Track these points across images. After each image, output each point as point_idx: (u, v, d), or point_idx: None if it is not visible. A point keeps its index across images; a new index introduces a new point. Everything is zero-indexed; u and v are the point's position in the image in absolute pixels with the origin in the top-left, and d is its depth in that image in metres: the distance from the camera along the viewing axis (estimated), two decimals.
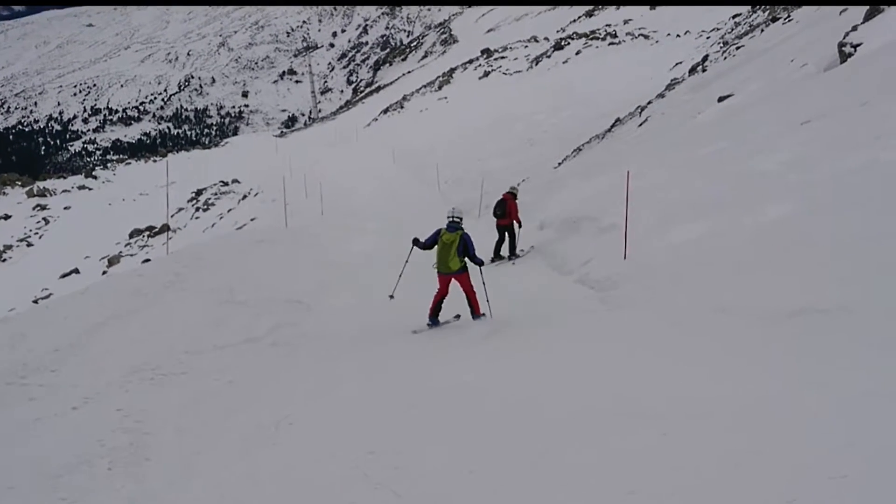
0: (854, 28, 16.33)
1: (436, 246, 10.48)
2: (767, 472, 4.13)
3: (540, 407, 6.13)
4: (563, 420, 5.70)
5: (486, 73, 79.76)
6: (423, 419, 6.35)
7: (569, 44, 75.36)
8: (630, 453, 4.78)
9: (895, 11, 15.88)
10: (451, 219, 10.47)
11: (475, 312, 10.53)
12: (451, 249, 10.15)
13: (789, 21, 30.46)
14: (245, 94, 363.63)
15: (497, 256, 16.34)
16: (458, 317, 11.02)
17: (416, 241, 10.95)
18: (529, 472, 4.80)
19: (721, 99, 19.68)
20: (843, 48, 15.63)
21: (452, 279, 10.44)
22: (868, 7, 16.97)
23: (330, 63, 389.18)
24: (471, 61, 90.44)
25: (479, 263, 10.44)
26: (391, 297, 11.29)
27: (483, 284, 10.67)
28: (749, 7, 52.97)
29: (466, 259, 10.30)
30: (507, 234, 16.32)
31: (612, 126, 31.56)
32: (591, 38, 74.49)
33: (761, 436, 4.59)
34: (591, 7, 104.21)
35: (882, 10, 16.32)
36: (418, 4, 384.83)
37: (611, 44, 71.12)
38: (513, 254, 16.20)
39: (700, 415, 5.17)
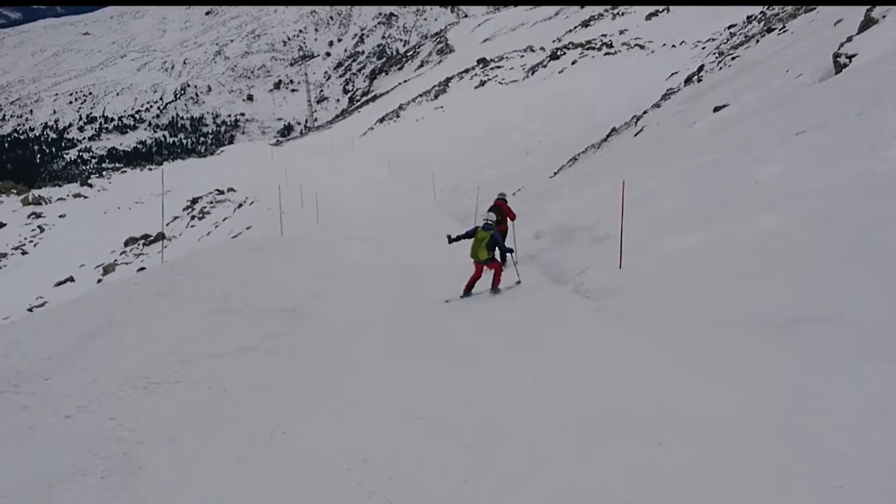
0: (849, 39, 16.39)
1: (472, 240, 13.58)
2: (763, 481, 4.13)
3: (535, 417, 6.13)
4: (558, 430, 5.69)
5: (482, 83, 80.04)
6: (418, 428, 6.34)
7: (565, 53, 75.63)
8: (626, 462, 4.77)
9: (889, 22, 15.95)
10: (486, 221, 13.51)
11: (494, 285, 13.46)
12: (482, 244, 13.17)
13: (784, 32, 30.59)
14: (250, 98, 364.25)
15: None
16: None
17: (449, 238, 14.00)
18: (524, 482, 4.79)
19: (716, 109, 19.73)
20: (838, 59, 15.69)
21: (484, 266, 13.45)
22: (862, 19, 17.04)
23: (326, 72, 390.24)
24: (467, 71, 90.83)
25: (510, 251, 13.83)
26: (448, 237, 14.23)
27: (514, 265, 14.07)
28: (744, 18, 53.21)
29: (497, 251, 13.37)
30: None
31: (608, 136, 31.63)
32: (587, 48, 74.77)
33: (756, 445, 4.59)
34: (587, 17, 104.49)
35: (877, 21, 16.38)
36: (423, 5, 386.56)
37: (606, 54, 71.40)
38: (504, 258, 16.43)
39: (696, 424, 5.17)
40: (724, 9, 65.39)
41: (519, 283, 13.61)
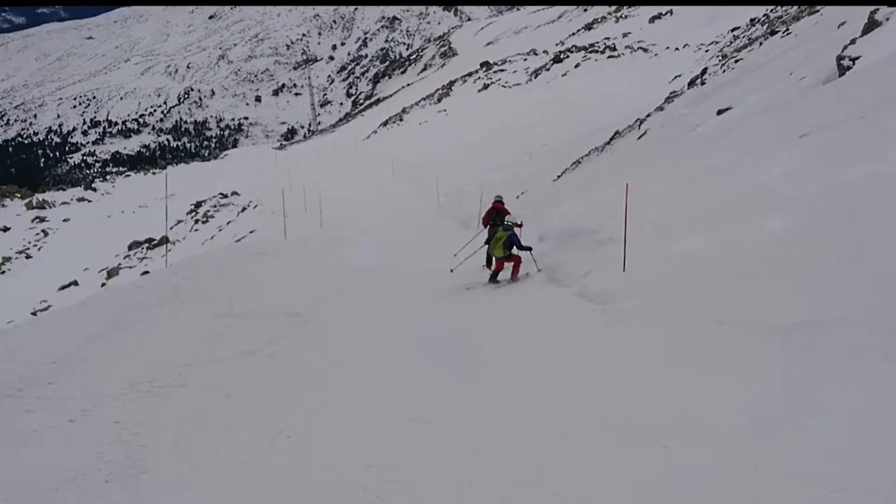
0: (852, 41, 16.38)
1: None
2: (768, 485, 4.12)
3: (539, 421, 6.12)
4: (563, 434, 5.69)
5: (486, 86, 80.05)
6: (423, 432, 6.34)
7: (568, 57, 75.66)
8: (630, 466, 4.77)
9: (893, 25, 15.94)
10: (506, 222, 14.86)
11: (513, 275, 14.66)
12: (499, 243, 14.55)
13: (788, 34, 30.57)
14: (258, 99, 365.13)
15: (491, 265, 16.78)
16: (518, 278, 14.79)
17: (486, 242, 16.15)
18: (529, 487, 4.79)
19: (720, 112, 19.71)
20: (842, 61, 15.67)
21: (503, 262, 14.77)
22: (866, 21, 17.03)
23: (329, 76, 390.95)
24: (470, 74, 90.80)
25: (528, 249, 14.47)
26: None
27: (534, 261, 14.41)
28: (748, 21, 53.19)
29: (514, 249, 14.54)
30: None
31: (612, 139, 31.60)
32: (591, 52, 74.80)
33: (761, 449, 4.58)
34: (591, 20, 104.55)
35: (880, 24, 16.37)
36: (429, 5, 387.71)
37: (610, 57, 71.41)
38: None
39: (700, 428, 5.16)
40: (726, 12, 65.45)
41: (539, 270, 14.18)
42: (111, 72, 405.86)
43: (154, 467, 6.13)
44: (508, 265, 14.96)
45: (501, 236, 14.57)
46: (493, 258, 15.19)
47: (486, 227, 17.13)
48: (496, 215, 16.77)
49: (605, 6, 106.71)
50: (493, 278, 15.07)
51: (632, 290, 10.16)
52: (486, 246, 16.02)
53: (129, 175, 67.43)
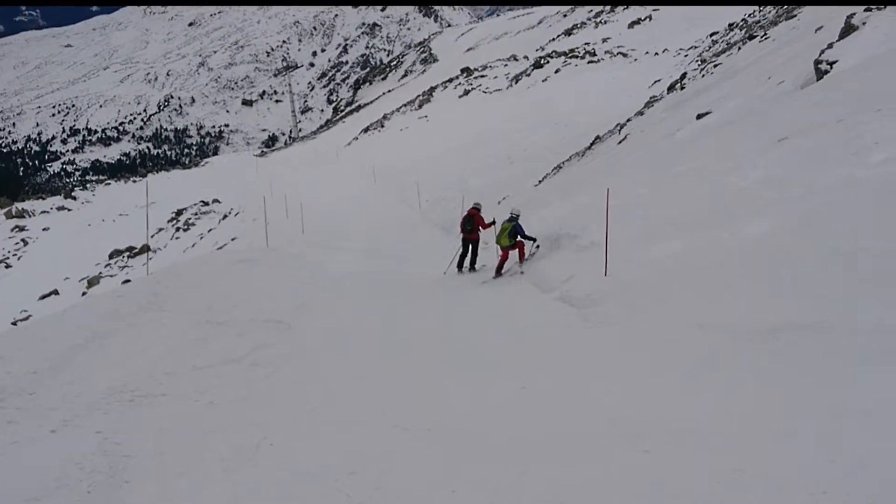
0: (830, 45, 16.53)
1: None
2: (749, 489, 4.14)
3: (522, 427, 6.13)
4: (544, 440, 5.70)
5: (466, 92, 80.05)
6: (406, 438, 6.33)
7: (548, 62, 75.76)
8: (612, 471, 4.78)
9: (869, 29, 16.10)
10: (511, 214, 16.05)
11: (521, 259, 15.70)
12: (505, 233, 15.74)
13: (766, 39, 30.80)
14: (246, 103, 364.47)
15: (461, 269, 17.96)
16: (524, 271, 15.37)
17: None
18: (512, 493, 4.79)
19: (699, 116, 19.82)
20: (819, 65, 15.82)
21: (508, 251, 15.88)
22: (843, 25, 17.20)
23: (310, 82, 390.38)
24: (451, 80, 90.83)
25: (532, 240, 15.49)
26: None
27: (532, 243, 15.53)
28: (726, 25, 53.55)
29: (519, 237, 15.63)
30: (471, 246, 17.90)
31: (592, 144, 31.72)
32: (571, 57, 74.94)
33: (742, 453, 4.60)
34: (570, 26, 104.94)
35: (857, 28, 16.53)
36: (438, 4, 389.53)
37: (590, 62, 71.58)
38: (473, 266, 17.86)
39: (682, 433, 5.18)
40: (705, 17, 65.88)
41: (538, 246, 15.43)
42: (90, 80, 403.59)
43: (137, 477, 6.08)
44: (513, 254, 16.02)
45: (507, 227, 15.75)
46: (498, 248, 16.21)
47: (461, 232, 17.95)
48: (467, 221, 17.68)
49: (586, 6, 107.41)
50: (499, 272, 16.05)
51: (613, 294, 10.21)
52: (460, 251, 17.68)
53: (109, 183, 67.20)
